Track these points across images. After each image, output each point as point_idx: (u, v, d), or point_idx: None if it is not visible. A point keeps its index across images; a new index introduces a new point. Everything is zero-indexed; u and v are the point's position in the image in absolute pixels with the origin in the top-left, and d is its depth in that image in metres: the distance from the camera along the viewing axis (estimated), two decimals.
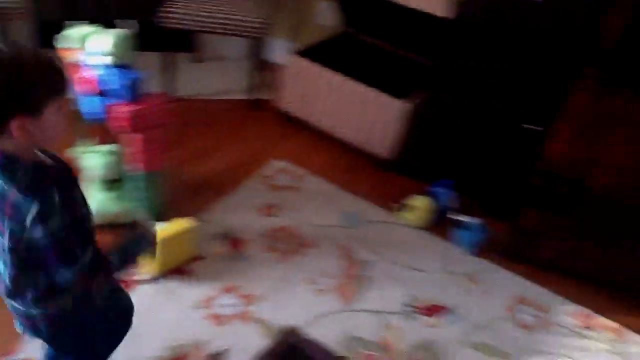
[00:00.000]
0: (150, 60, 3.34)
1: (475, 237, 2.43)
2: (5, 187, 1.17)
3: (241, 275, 2.22)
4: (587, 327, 2.18)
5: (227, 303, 2.11)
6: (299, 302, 2.15)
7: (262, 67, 3.33)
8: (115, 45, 1.99)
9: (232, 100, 3.30)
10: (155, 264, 2.12)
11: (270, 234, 2.42)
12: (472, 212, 2.52)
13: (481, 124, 2.51)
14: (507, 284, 2.33)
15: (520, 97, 2.35)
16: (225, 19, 2.90)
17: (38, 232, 1.16)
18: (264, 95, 3.31)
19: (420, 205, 2.52)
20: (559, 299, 2.29)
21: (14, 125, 1.12)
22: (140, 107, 2.00)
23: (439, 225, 2.56)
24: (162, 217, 2.30)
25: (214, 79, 3.50)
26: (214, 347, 1.95)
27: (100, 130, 2.39)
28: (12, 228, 1.18)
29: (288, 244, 2.38)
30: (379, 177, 2.83)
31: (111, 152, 2.25)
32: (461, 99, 2.51)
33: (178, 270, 2.20)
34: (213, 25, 2.91)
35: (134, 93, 1.99)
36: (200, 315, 2.06)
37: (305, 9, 3.43)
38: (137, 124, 2.01)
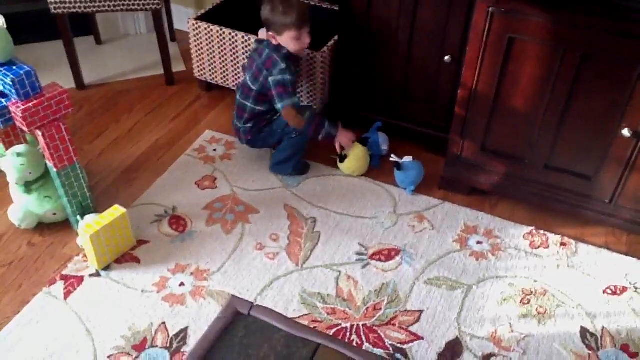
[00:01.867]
0: (52, 49, 3.20)
1: (412, 176, 2.44)
2: (272, 54, 2.33)
3: (189, 253, 2.17)
4: (538, 246, 2.24)
5: (180, 282, 2.06)
6: (252, 269, 2.12)
7: (170, 38, 3.22)
8: None
9: (145, 78, 3.18)
10: (94, 259, 2.05)
11: (211, 206, 2.37)
12: (411, 151, 2.53)
13: (396, 60, 2.50)
14: (454, 216, 2.35)
15: (433, 29, 2.36)
16: None
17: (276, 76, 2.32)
18: (178, 68, 3.21)
19: (355, 152, 2.51)
20: (508, 223, 2.33)
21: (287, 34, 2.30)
22: (31, 103, 1.87)
23: (380, 169, 2.57)
24: (94, 209, 2.22)
25: (121, 59, 3.36)
26: (173, 327, 1.91)
27: (10, 133, 2.29)
28: (265, 74, 2.33)
29: (232, 214, 2.34)
30: None
31: (18, 154, 2.12)
32: (370, 37, 2.49)
33: (123, 259, 2.13)
34: (107, 3, 2.79)
35: (24, 89, 1.85)
36: (154, 299, 2.00)
37: None
38: (32, 121, 1.89)
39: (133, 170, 2.55)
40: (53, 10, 2.76)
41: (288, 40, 2.31)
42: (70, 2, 2.74)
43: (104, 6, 2.79)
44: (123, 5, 2.80)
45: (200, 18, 2.82)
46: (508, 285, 2.08)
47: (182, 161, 2.60)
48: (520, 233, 2.28)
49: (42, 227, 2.24)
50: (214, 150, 2.66)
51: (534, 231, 2.29)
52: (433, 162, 2.55)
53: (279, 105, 2.34)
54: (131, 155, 2.63)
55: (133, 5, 2.80)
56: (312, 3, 2.89)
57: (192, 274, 2.09)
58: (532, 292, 2.06)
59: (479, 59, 2.09)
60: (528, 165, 2.26)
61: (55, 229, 2.25)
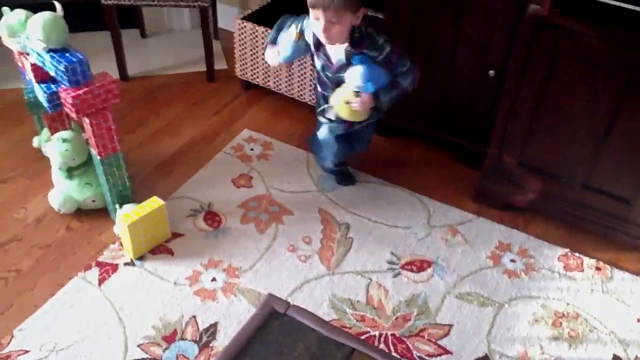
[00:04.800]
0: (98, 40, 3.25)
1: (366, 73, 2.24)
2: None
3: (222, 249, 2.19)
4: (573, 269, 2.21)
5: (212, 277, 2.08)
6: (283, 270, 2.13)
7: (213, 36, 3.25)
8: (43, 29, 1.88)
9: (187, 74, 3.21)
10: (130, 248, 2.08)
11: (246, 204, 2.39)
12: (442, 160, 2.53)
13: (438, 70, 2.49)
14: (488, 232, 2.34)
15: (477, 41, 2.34)
16: None
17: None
18: (219, 65, 3.24)
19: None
20: (542, 243, 2.30)
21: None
22: (82, 90, 1.90)
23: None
24: (132, 199, 2.25)
25: (164, 53, 3.40)
26: (203, 321, 1.93)
27: (55, 118, 2.32)
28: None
29: (266, 213, 2.35)
30: None
31: (64, 140, 2.16)
32: (413, 46, 2.47)
33: (157, 250, 2.16)
34: None
35: (76, 77, 1.89)
36: (186, 292, 2.02)
37: None
38: (81, 108, 1.92)
39: (171, 163, 2.57)
40: (103, 2, 2.81)
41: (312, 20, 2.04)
42: None
43: (152, 0, 2.83)
44: (172, 0, 2.84)
45: (246, 18, 2.84)
46: (540, 306, 2.06)
47: (220, 158, 2.62)
48: (555, 254, 2.26)
49: (81, 212, 2.28)
50: (251, 149, 2.67)
51: (569, 253, 2.26)
52: (464, 174, 2.54)
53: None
54: (170, 148, 2.66)
55: (181, 1, 2.84)
56: None
57: (224, 270, 2.11)
58: (564, 315, 2.04)
59: (522, 74, 2.08)
60: (565, 183, 2.24)
61: (94, 215, 2.28)
